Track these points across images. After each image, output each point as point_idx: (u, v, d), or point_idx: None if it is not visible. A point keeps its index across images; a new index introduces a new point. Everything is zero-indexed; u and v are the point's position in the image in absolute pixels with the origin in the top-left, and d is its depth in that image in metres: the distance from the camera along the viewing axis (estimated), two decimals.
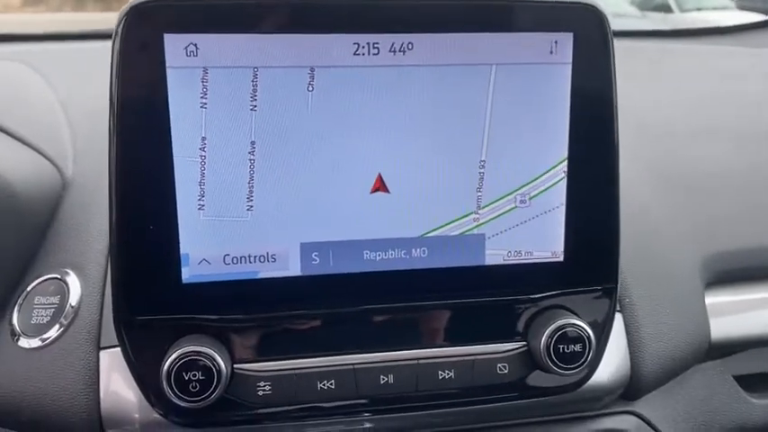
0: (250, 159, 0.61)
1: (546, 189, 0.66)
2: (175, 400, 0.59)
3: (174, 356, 0.59)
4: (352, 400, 0.65)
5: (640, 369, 0.75)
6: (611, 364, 0.73)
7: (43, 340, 0.69)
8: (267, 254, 0.63)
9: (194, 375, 0.59)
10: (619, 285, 0.69)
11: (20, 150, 0.78)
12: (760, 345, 0.87)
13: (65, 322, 0.70)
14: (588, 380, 0.69)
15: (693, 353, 0.82)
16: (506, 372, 0.67)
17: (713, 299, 0.86)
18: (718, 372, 0.87)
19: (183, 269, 0.62)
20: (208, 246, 0.61)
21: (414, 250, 0.66)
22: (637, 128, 0.95)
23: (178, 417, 0.63)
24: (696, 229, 0.87)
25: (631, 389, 0.75)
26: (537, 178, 0.66)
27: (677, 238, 0.86)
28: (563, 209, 0.66)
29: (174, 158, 0.59)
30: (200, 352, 0.60)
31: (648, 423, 0.76)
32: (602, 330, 0.68)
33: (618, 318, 0.76)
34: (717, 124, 1.02)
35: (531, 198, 0.66)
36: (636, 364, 0.75)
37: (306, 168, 0.61)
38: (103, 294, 0.71)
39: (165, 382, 0.59)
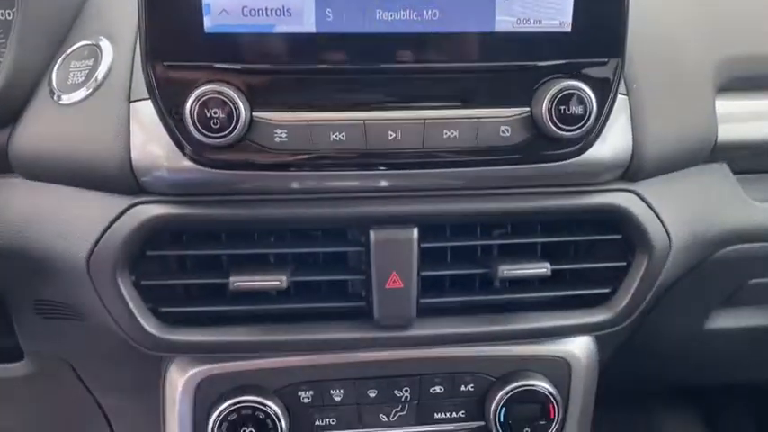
0: None
1: None
2: (198, 136, 0.65)
3: (196, 93, 0.64)
4: (362, 154, 0.70)
5: (642, 150, 0.77)
6: (613, 141, 0.76)
7: (79, 96, 0.75)
8: (283, 7, 0.66)
9: (215, 113, 0.65)
10: (625, 62, 0.71)
11: None
12: (766, 150, 0.89)
13: (98, 80, 0.75)
14: (589, 148, 0.72)
15: (697, 149, 0.84)
16: (509, 135, 0.70)
17: (724, 103, 0.87)
18: (721, 173, 0.89)
19: (205, 18, 0.65)
20: None
21: (425, 12, 0.68)
22: None
23: (201, 157, 0.68)
24: (710, 35, 0.87)
25: (632, 169, 0.78)
26: None
27: (691, 42, 0.86)
28: None
29: None
30: (221, 92, 0.64)
31: (647, 204, 0.79)
32: (605, 99, 0.70)
33: (624, 101, 0.78)
34: None
35: None
36: (638, 144, 0.77)
37: None
38: (133, 59, 0.75)
39: (188, 117, 0.64)
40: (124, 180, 0.73)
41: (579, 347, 0.90)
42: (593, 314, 0.83)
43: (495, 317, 0.82)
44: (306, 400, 0.86)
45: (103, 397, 1.08)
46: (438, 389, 0.88)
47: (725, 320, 1.11)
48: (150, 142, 0.71)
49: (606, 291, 0.84)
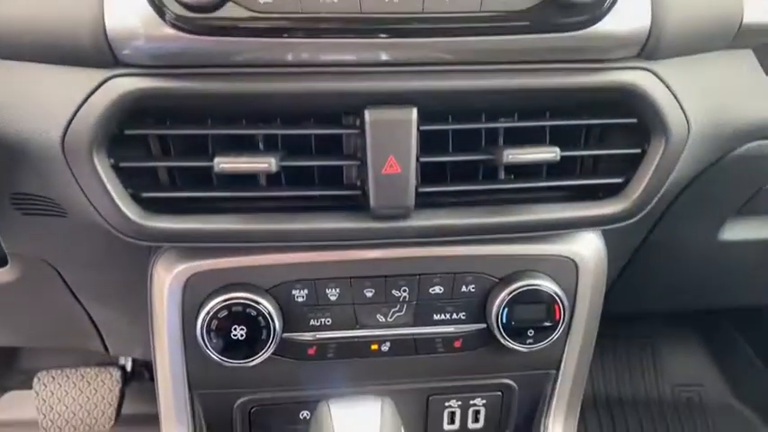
0: None
1: None
2: None
3: None
4: (356, 18, 0.64)
5: (661, 25, 0.71)
6: (630, 13, 0.69)
7: None
8: None
9: None
10: None
11: None
12: None
13: None
14: (603, 17, 0.66)
15: (721, 30, 0.78)
16: None
17: None
18: (747, 60, 0.83)
19: None
20: None
21: None
22: None
23: (182, 21, 0.63)
24: None
25: (650, 46, 0.72)
26: None
27: None
28: None
29: None
30: None
31: (666, 84, 0.73)
32: None
33: None
34: None
35: None
36: (657, 18, 0.71)
37: None
38: None
39: None
40: (98, 51, 0.67)
41: (587, 247, 0.86)
42: (605, 206, 0.78)
43: (499, 208, 0.77)
44: (300, 299, 0.82)
45: (92, 307, 1.05)
46: (438, 289, 0.84)
47: (739, 231, 1.07)
48: (126, 7, 0.65)
49: (619, 181, 0.78)
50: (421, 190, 0.75)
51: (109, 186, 0.71)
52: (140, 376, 1.70)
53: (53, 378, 1.64)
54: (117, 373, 1.65)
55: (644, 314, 1.74)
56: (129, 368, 1.68)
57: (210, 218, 0.74)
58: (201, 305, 0.80)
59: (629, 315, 1.58)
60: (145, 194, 0.73)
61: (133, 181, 0.73)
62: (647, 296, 1.33)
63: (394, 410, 0.77)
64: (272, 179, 0.75)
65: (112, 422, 1.63)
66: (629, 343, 1.93)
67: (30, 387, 1.64)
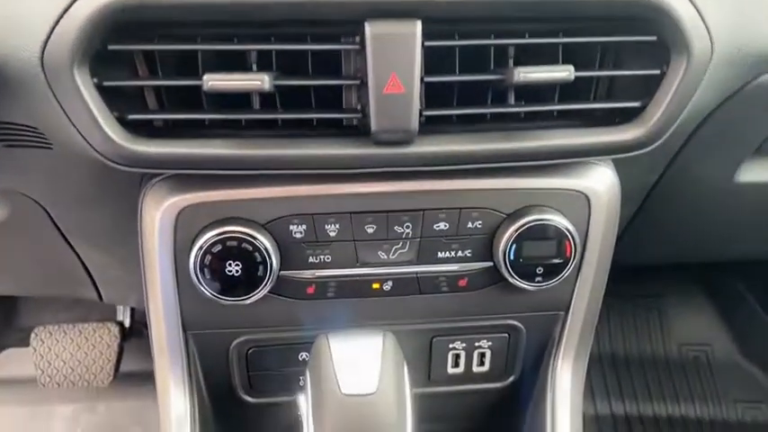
0: None
1: None
2: None
3: None
4: None
5: None
6: None
7: None
8: None
9: None
10: None
11: None
12: None
13: None
14: None
15: None
16: None
17: None
18: None
19: None
20: None
21: None
22: None
23: None
24: None
25: None
26: None
27: None
28: None
29: None
30: None
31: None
32: None
33: None
34: None
35: None
36: None
37: None
38: None
39: None
40: None
41: (601, 182, 0.81)
42: (621, 132, 0.73)
43: (508, 134, 0.73)
44: (298, 235, 0.78)
45: (83, 251, 1.01)
46: (443, 225, 0.80)
47: (758, 173, 1.02)
48: None
49: (636, 105, 0.73)
50: (426, 113, 0.70)
51: (92, 106, 0.66)
52: (139, 333, 1.68)
53: (50, 334, 1.61)
54: (115, 329, 1.63)
55: (651, 267, 1.71)
56: (127, 324, 1.66)
57: (200, 142, 0.70)
58: (194, 240, 0.76)
59: (637, 268, 1.55)
60: (131, 117, 0.69)
61: (119, 103, 0.69)
62: (656, 247, 1.29)
63: (396, 345, 0.74)
64: (267, 101, 0.71)
65: (111, 378, 1.61)
66: (635, 302, 1.91)
67: (28, 345, 1.62)
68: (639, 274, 1.83)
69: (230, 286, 0.77)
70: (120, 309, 1.71)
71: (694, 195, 1.07)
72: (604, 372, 1.82)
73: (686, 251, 1.36)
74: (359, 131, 0.72)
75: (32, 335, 1.60)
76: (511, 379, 0.99)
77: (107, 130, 0.67)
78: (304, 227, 0.78)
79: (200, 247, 0.75)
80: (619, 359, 1.85)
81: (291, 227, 0.78)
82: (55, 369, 1.60)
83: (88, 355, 1.61)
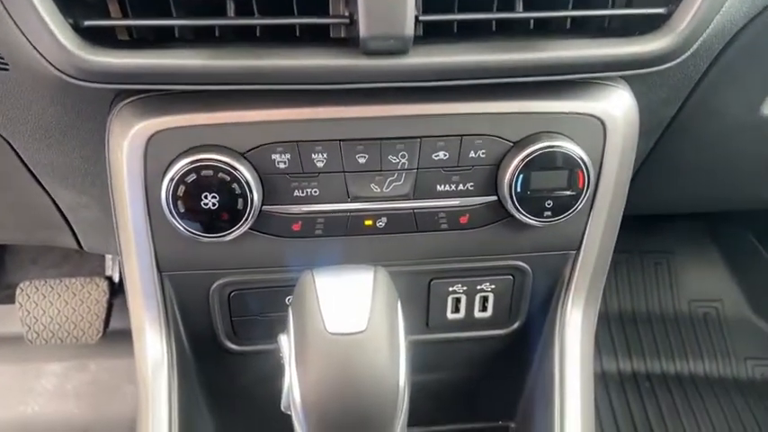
0: None
1: None
2: None
3: None
4: None
5: None
6: None
7: None
8: None
9: None
10: None
11: None
12: None
13: None
14: None
15: None
16: None
17: None
18: None
19: None
20: None
21: None
22: None
23: None
24: None
25: None
26: None
27: None
28: None
29: None
30: None
31: None
32: None
33: None
34: None
35: None
36: None
37: None
38: None
39: None
40: None
41: (617, 106, 0.73)
42: (645, 42, 0.65)
43: (514, 44, 0.65)
44: (281, 165, 0.71)
45: (57, 192, 0.94)
46: (442, 155, 0.72)
47: None
48: None
49: (661, 11, 0.65)
50: (422, 18, 0.62)
51: (42, 12, 0.58)
52: None
53: (36, 289, 1.56)
54: (104, 284, 1.57)
55: (662, 218, 1.64)
56: (116, 279, 1.60)
57: (167, 52, 0.62)
58: (166, 170, 0.69)
59: (646, 219, 1.48)
60: (87, 23, 0.61)
61: (76, 11, 0.61)
62: (670, 192, 1.22)
63: (389, 281, 0.67)
64: (243, 8, 0.62)
65: (100, 334, 1.56)
66: (643, 257, 1.85)
67: (14, 302, 1.56)
68: (649, 227, 1.77)
69: (207, 221, 0.70)
70: (108, 264, 1.65)
71: (715, 131, 0.99)
72: (611, 328, 1.77)
73: (701, 199, 1.28)
74: (346, 39, 0.64)
75: (18, 290, 1.55)
76: (515, 326, 0.92)
77: (59, 37, 0.59)
78: (288, 156, 0.71)
79: (172, 178, 0.68)
80: (626, 315, 1.80)
81: (274, 156, 0.70)
82: (42, 325, 1.54)
83: (76, 310, 1.55)
